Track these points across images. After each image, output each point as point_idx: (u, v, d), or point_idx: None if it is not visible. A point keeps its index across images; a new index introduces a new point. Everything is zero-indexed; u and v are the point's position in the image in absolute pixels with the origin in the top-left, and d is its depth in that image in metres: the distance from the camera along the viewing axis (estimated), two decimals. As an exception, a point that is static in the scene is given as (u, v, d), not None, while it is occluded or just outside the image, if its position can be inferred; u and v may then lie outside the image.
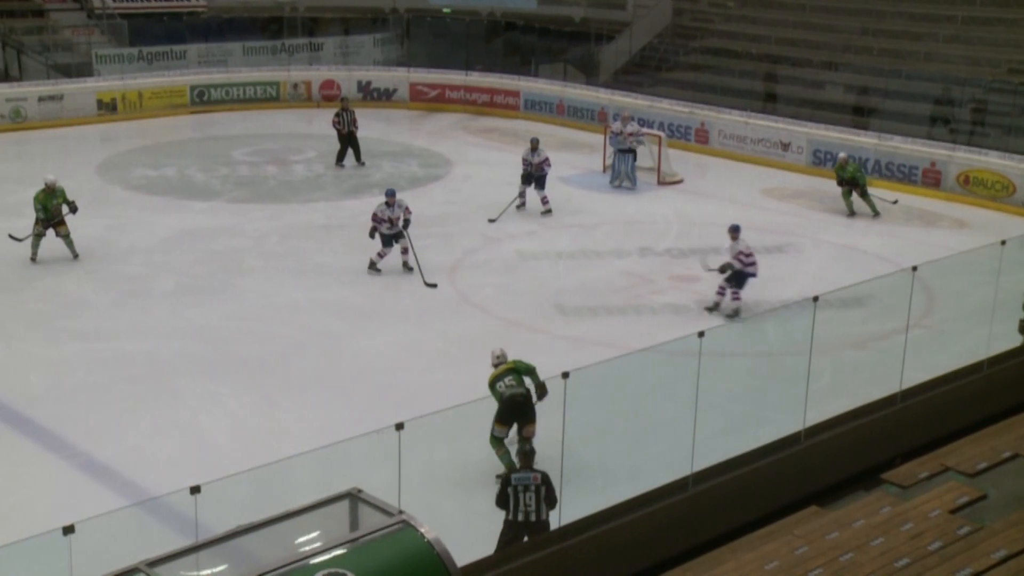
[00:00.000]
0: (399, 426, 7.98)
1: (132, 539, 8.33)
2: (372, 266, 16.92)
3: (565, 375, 8.97)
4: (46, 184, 17.17)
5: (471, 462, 11.12)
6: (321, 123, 27.95)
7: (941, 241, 19.13)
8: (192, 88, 28.68)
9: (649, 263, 17.85)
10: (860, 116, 25.15)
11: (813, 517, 9.06)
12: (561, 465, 9.37)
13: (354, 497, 6.91)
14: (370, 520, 6.73)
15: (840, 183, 20.88)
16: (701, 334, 9.71)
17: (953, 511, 8.81)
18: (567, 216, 20.31)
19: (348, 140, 23.51)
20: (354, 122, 23.45)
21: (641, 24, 30.81)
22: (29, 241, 17.08)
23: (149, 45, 29.61)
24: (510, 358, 11.09)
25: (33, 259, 17.07)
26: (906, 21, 27.79)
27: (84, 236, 18.18)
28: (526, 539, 9.17)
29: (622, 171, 22.13)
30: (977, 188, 21.81)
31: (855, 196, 20.68)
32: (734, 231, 15.58)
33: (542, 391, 10.75)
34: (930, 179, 22.37)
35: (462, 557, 6.86)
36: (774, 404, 12.16)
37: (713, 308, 15.55)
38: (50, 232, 17.08)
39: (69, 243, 17.28)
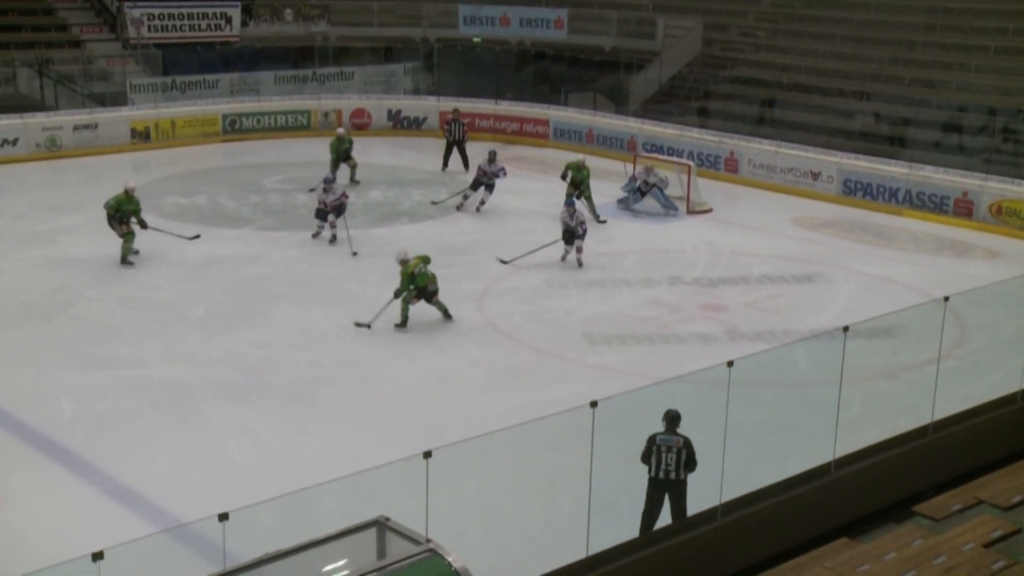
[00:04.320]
0: (427, 454, 7.97)
1: (161, 566, 8.36)
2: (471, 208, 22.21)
3: (593, 404, 8.94)
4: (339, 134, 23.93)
5: (499, 490, 11.09)
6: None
7: (973, 271, 18.98)
8: (224, 117, 28.95)
9: (678, 292, 17.80)
10: (891, 145, 25.06)
11: (843, 549, 8.97)
12: (589, 494, 9.32)
13: (381, 525, 6.91)
14: (397, 548, 6.73)
15: (573, 184, 21.48)
16: (730, 364, 9.67)
17: (987, 545, 8.71)
18: (596, 244, 20.31)
19: (456, 148, 25.55)
20: (464, 132, 25.66)
21: (671, 54, 30.88)
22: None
23: (182, 74, 29.98)
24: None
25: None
26: (937, 51, 27.73)
27: (115, 263, 18.34)
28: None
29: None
30: (1010, 218, 21.64)
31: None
32: (569, 206, 18.93)
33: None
34: (962, 209, 22.23)
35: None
36: (804, 434, 12.06)
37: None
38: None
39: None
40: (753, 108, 28.13)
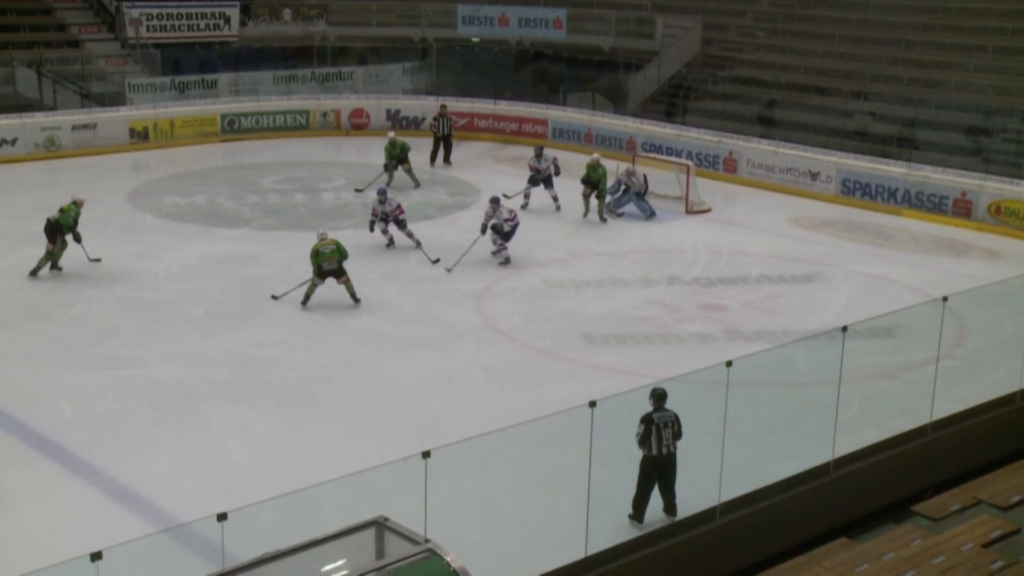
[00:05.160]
0: (426, 454, 7.98)
1: (159, 566, 8.36)
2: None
3: (592, 404, 8.95)
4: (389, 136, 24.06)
5: (498, 490, 11.09)
6: (350, 151, 28.21)
7: (972, 271, 18.98)
8: (223, 117, 28.95)
9: (677, 292, 17.80)
10: (890, 145, 25.06)
11: (842, 549, 8.98)
12: (588, 494, 9.34)
13: (380, 525, 6.91)
14: (396, 548, 6.73)
15: (586, 183, 21.74)
16: (729, 363, 9.68)
17: (986, 545, 8.72)
18: (595, 244, 20.33)
19: (442, 142, 26.34)
20: (451, 127, 26.56)
21: (670, 53, 30.87)
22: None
23: (181, 74, 29.99)
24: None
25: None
26: (936, 51, 27.72)
27: (114, 263, 18.35)
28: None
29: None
30: (1009, 218, 21.65)
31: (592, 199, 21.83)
32: (493, 202, 18.95)
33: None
34: (961, 209, 22.23)
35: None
36: (803, 434, 12.07)
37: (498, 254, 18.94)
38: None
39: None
40: (752, 108, 28.12)
